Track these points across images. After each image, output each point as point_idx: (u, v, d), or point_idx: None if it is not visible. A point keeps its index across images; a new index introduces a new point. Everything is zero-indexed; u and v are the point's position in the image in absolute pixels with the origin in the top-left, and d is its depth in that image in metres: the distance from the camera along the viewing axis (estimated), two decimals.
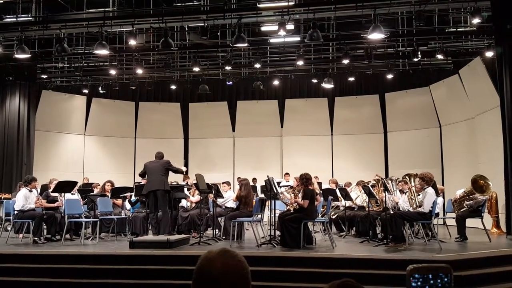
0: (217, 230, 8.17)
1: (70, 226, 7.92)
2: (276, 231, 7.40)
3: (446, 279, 0.97)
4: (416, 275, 0.96)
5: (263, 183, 8.16)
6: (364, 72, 12.85)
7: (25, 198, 7.66)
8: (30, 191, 7.83)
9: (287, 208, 7.63)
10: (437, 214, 7.93)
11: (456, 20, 9.92)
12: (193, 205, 8.76)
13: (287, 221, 6.86)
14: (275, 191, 7.15)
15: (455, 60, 11.70)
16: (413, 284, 0.96)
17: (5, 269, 5.86)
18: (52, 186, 8.35)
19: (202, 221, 7.98)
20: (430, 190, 6.82)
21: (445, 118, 12.47)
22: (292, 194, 7.44)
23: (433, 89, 12.69)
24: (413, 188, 7.12)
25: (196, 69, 11.46)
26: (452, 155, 12.10)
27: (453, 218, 8.10)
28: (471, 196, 7.87)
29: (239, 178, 10.49)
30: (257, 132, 14.13)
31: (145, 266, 5.88)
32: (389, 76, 12.14)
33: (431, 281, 0.96)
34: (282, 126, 14.34)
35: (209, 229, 8.55)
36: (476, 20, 8.45)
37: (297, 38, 10.41)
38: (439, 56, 10.45)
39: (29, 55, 9.35)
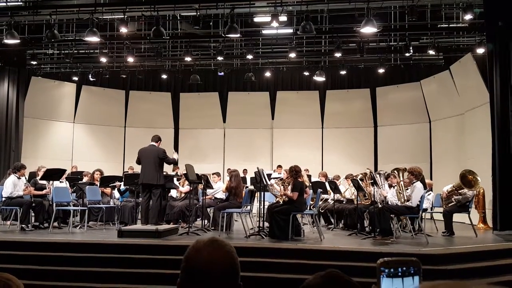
0: (206, 221, 8.19)
1: (58, 214, 7.87)
2: (265, 222, 7.44)
3: (416, 268, 1.00)
4: (386, 269, 0.98)
5: (253, 175, 8.18)
6: (356, 66, 12.88)
7: (13, 185, 7.61)
8: (19, 178, 7.77)
9: (276, 200, 7.67)
10: (425, 210, 8.03)
11: (449, 16, 9.97)
12: (183, 195, 8.76)
13: (276, 212, 6.89)
14: (265, 183, 7.18)
15: (446, 56, 11.78)
16: (386, 271, 0.98)
17: None
18: (41, 173, 8.28)
19: (191, 212, 7.99)
20: (418, 185, 6.89)
21: (435, 114, 12.57)
22: (282, 186, 7.47)
23: (424, 84, 12.76)
24: (402, 182, 7.19)
25: (188, 59, 11.37)
26: (441, 150, 12.23)
27: (441, 212, 8.21)
28: (459, 191, 7.96)
29: (229, 169, 10.49)
30: (248, 123, 14.11)
31: (133, 255, 5.88)
32: (381, 71, 12.18)
33: (404, 268, 0.99)
34: (273, 118, 14.33)
35: (198, 219, 8.56)
36: (468, 16, 8.50)
37: (290, 30, 10.37)
38: (431, 52, 10.50)
39: (19, 41, 9.19)
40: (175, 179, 8.98)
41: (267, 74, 13.08)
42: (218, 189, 8.69)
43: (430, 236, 7.16)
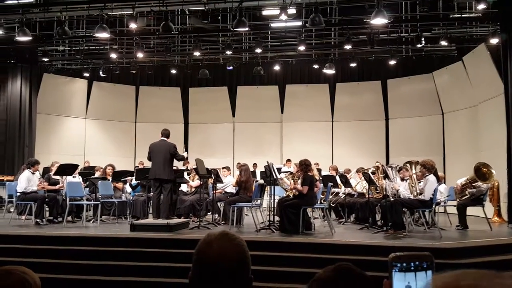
0: (216, 215, 8.22)
1: (71, 208, 7.97)
2: (275, 216, 7.44)
3: (429, 262, 0.98)
4: (398, 264, 0.97)
5: (263, 169, 8.18)
6: (366, 58, 12.73)
7: (28, 181, 7.72)
8: (33, 173, 7.88)
9: (287, 194, 7.66)
10: (438, 203, 7.93)
11: (461, 5, 9.77)
12: (193, 189, 8.80)
13: (286, 206, 6.89)
14: (275, 177, 7.17)
15: (459, 47, 11.57)
16: (398, 265, 0.97)
17: (8, 250, 5.93)
18: (54, 168, 8.38)
19: (202, 206, 8.03)
20: (431, 178, 6.80)
21: (448, 106, 12.41)
22: (292, 180, 7.46)
23: (436, 76, 12.59)
24: (414, 176, 7.11)
25: (197, 53, 11.37)
26: (454, 143, 12.07)
27: (454, 206, 8.11)
28: (473, 184, 7.84)
29: (239, 163, 10.51)
30: (257, 117, 14.09)
31: (145, 249, 5.94)
32: (392, 62, 12.03)
33: (416, 263, 0.98)
34: (282, 112, 14.29)
35: (208, 213, 8.60)
36: (481, 6, 8.33)
37: (299, 23, 10.28)
38: (443, 43, 10.32)
39: (31, 38, 9.27)
40: (185, 173, 9.02)
41: (276, 67, 13.02)
42: (228, 183, 8.71)
43: (443, 230, 7.09)
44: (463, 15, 9.84)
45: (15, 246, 6.08)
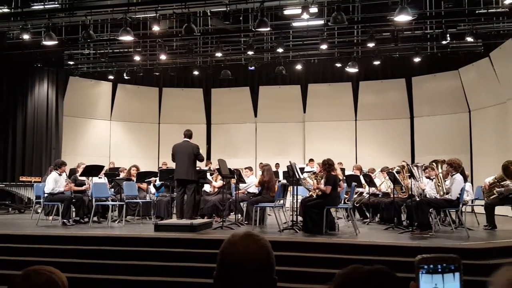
0: (239, 215, 8.24)
1: (97, 209, 8.14)
2: (299, 216, 7.40)
3: (457, 264, 0.95)
4: (425, 266, 0.95)
5: (286, 169, 8.15)
6: (390, 56, 12.51)
7: (55, 182, 7.92)
8: (60, 175, 8.07)
9: (310, 194, 7.60)
10: (465, 203, 7.74)
11: (487, 1, 9.49)
12: (216, 190, 8.84)
13: (309, 207, 6.84)
14: (298, 177, 7.13)
15: (486, 43, 11.25)
16: (425, 267, 0.95)
17: (36, 250, 6.09)
18: (80, 170, 8.58)
19: (225, 206, 8.05)
20: (458, 177, 6.65)
21: (475, 103, 12.09)
22: (315, 180, 7.40)
23: (463, 72, 12.29)
24: (440, 175, 6.95)
25: (219, 54, 11.43)
26: (482, 141, 11.76)
27: (482, 205, 7.91)
28: (502, 183, 7.64)
29: (261, 163, 10.51)
30: (279, 117, 14.07)
31: (169, 249, 6.00)
32: (417, 60, 11.78)
33: (444, 265, 0.95)
34: (304, 112, 14.22)
35: (231, 213, 8.62)
36: (508, 1, 8.09)
37: (321, 21, 10.19)
38: (469, 39, 10.05)
39: (56, 42, 9.51)
40: (208, 174, 9.08)
41: (298, 66, 12.95)
42: (251, 183, 8.71)
43: (471, 230, 6.91)
44: (489, 10, 9.54)
45: (43, 246, 6.23)
